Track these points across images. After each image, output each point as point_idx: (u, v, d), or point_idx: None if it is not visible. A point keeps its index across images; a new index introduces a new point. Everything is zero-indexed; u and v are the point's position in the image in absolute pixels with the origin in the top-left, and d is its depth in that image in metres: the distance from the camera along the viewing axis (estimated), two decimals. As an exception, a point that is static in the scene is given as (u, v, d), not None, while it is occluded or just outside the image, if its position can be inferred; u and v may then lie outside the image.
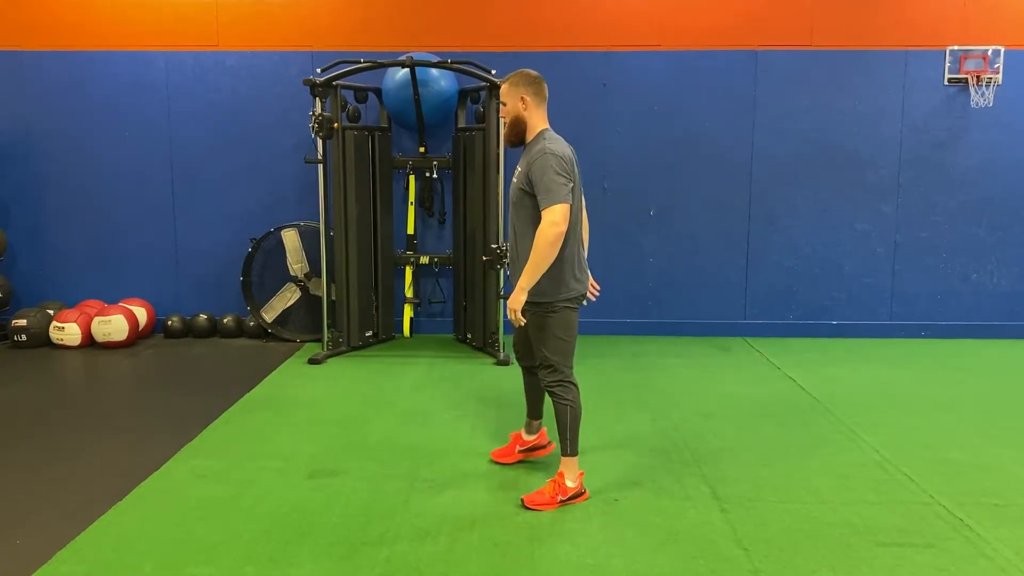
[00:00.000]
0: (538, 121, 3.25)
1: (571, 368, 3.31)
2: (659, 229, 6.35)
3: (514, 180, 3.28)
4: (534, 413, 3.69)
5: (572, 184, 3.17)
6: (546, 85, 3.27)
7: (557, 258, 3.12)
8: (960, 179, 6.23)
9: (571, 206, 3.14)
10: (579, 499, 3.30)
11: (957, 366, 5.55)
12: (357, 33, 6.26)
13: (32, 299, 6.42)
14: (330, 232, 5.78)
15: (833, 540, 2.94)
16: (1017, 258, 6.31)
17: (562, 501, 3.25)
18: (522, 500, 3.26)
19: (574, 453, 3.28)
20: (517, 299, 3.13)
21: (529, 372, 3.63)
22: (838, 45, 6.18)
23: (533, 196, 3.13)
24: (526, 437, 3.73)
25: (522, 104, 3.22)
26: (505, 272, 5.01)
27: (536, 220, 3.11)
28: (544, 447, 3.77)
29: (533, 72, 3.27)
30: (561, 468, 3.29)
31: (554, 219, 3.04)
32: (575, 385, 3.31)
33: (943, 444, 3.95)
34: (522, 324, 3.22)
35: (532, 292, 3.17)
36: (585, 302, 3.36)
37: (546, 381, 3.30)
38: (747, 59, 6.19)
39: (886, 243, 6.31)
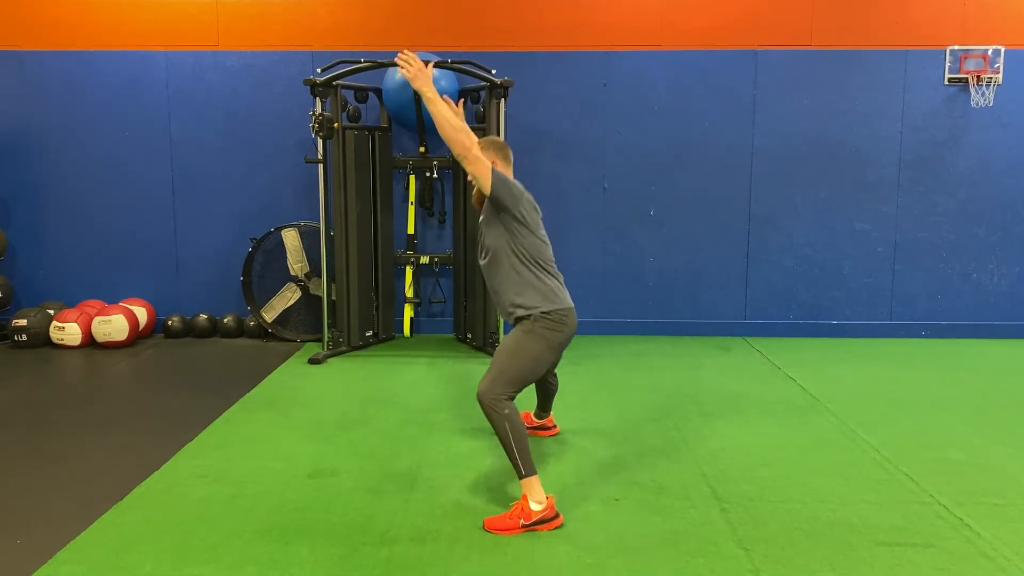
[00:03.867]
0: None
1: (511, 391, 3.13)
2: (659, 229, 6.35)
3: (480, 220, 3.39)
4: (544, 407, 4.01)
5: (524, 198, 3.28)
6: (511, 150, 3.52)
7: (537, 282, 3.26)
8: (960, 179, 6.23)
9: (539, 238, 3.29)
10: (548, 525, 2.99)
11: (957, 366, 5.55)
12: (357, 33, 6.26)
13: (32, 299, 6.43)
14: (330, 232, 5.78)
15: (833, 540, 2.94)
16: (1017, 258, 6.31)
17: (525, 526, 2.96)
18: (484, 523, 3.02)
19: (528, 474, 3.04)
20: (429, 84, 3.32)
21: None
22: (838, 45, 6.18)
23: (501, 213, 3.23)
24: (535, 419, 4.06)
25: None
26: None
27: (506, 240, 3.24)
28: (550, 428, 4.09)
29: (500, 139, 3.79)
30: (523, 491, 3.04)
31: (475, 153, 3.20)
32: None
33: (943, 444, 3.95)
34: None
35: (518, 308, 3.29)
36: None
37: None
38: (747, 59, 6.18)
39: (886, 243, 6.31)
